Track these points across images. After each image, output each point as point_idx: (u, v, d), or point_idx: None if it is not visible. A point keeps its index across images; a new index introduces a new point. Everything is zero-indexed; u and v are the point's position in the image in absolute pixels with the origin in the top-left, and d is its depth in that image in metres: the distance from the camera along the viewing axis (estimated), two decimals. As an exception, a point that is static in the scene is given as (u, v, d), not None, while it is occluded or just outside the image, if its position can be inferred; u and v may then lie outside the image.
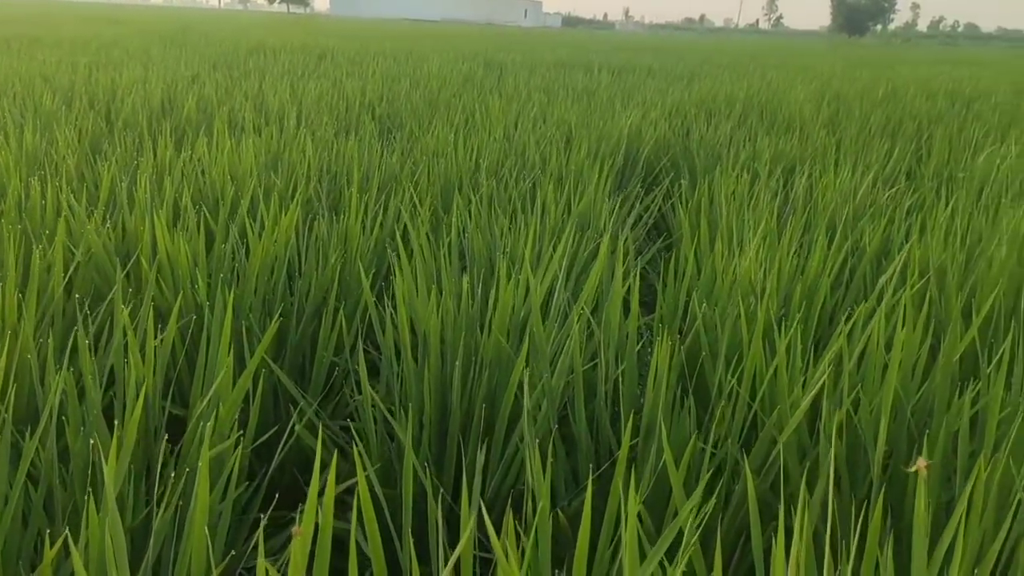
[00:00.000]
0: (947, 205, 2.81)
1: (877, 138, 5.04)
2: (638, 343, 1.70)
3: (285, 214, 2.23)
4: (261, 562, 0.89)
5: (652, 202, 3.42)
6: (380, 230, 2.45)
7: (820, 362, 1.53)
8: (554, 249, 2.23)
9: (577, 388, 1.48)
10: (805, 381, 1.51)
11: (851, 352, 1.51)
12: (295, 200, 2.26)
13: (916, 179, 3.80)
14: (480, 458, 1.38)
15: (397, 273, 1.61)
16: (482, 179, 3.18)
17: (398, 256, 2.13)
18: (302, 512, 0.95)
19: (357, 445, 1.31)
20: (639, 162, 4.06)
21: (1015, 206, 2.69)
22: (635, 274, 1.78)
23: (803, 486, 1.09)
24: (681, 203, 3.19)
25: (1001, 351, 1.47)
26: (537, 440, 1.43)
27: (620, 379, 1.63)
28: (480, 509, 1.30)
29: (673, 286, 2.02)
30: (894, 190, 3.24)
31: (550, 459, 1.11)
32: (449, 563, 0.93)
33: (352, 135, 3.95)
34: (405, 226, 2.65)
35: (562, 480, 1.53)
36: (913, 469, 0.75)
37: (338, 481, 1.67)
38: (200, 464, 0.93)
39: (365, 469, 1.24)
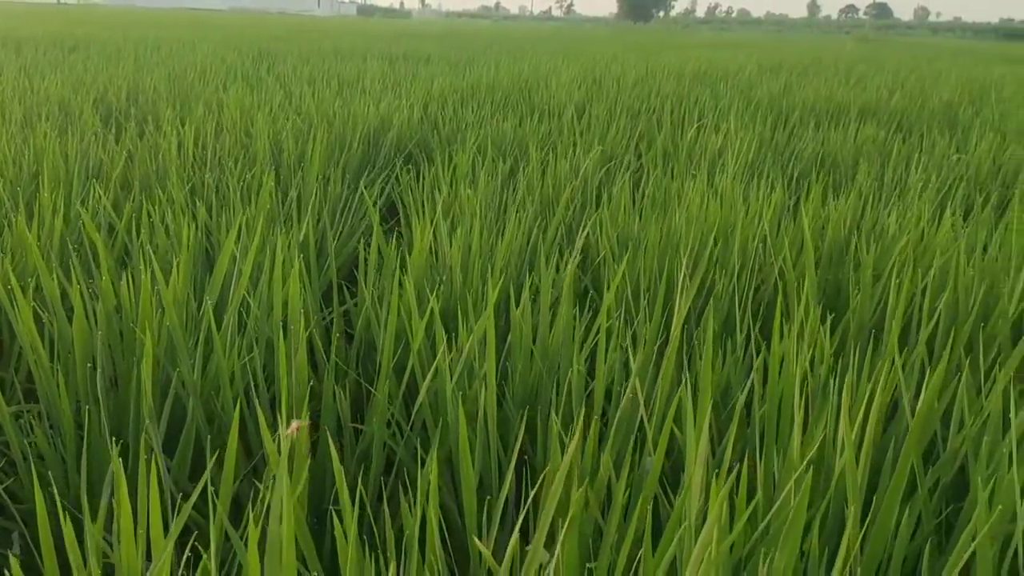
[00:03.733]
0: (650, 179, 3.01)
1: (622, 118, 5.32)
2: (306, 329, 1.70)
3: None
4: None
5: (386, 186, 3.43)
6: (66, 230, 2.32)
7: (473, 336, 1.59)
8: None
9: (222, 377, 1.46)
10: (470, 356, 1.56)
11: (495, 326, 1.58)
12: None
13: (643, 156, 4.04)
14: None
15: (12, 275, 1.52)
16: (205, 174, 3.08)
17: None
18: None
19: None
20: (381, 149, 4.06)
21: (701, 176, 2.92)
22: (329, 260, 1.78)
23: (434, 455, 1.12)
24: (411, 187, 3.22)
25: (641, 315, 1.59)
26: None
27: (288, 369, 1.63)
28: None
29: (374, 268, 2.04)
30: (610, 164, 3.43)
31: (142, 453, 1.08)
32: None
33: (71, 132, 3.70)
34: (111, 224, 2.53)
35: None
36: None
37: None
38: None
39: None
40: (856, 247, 2.12)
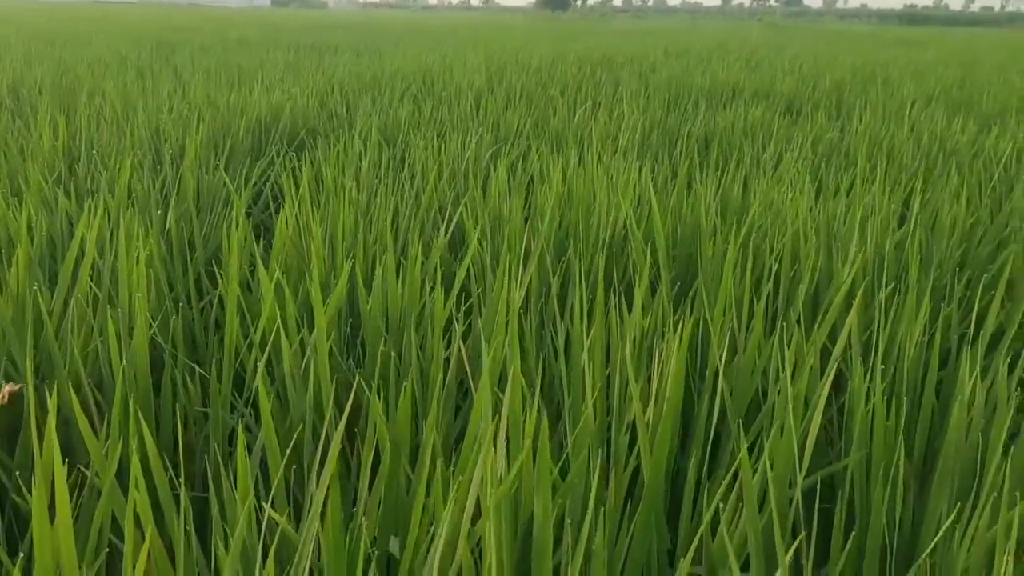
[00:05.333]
0: (531, 161, 3.04)
1: (521, 103, 5.35)
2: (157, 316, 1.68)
3: None
4: None
5: (270, 174, 3.40)
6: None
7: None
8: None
9: (57, 368, 1.43)
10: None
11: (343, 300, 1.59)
12: None
13: (530, 138, 4.08)
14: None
15: None
16: (76, 165, 3.01)
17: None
18: None
19: None
20: (271, 138, 4.01)
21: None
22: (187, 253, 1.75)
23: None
24: (295, 175, 3.20)
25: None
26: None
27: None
28: None
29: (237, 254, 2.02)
30: (497, 147, 3.46)
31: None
32: None
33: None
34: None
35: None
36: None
37: None
38: None
39: None
40: (715, 222, 2.20)
